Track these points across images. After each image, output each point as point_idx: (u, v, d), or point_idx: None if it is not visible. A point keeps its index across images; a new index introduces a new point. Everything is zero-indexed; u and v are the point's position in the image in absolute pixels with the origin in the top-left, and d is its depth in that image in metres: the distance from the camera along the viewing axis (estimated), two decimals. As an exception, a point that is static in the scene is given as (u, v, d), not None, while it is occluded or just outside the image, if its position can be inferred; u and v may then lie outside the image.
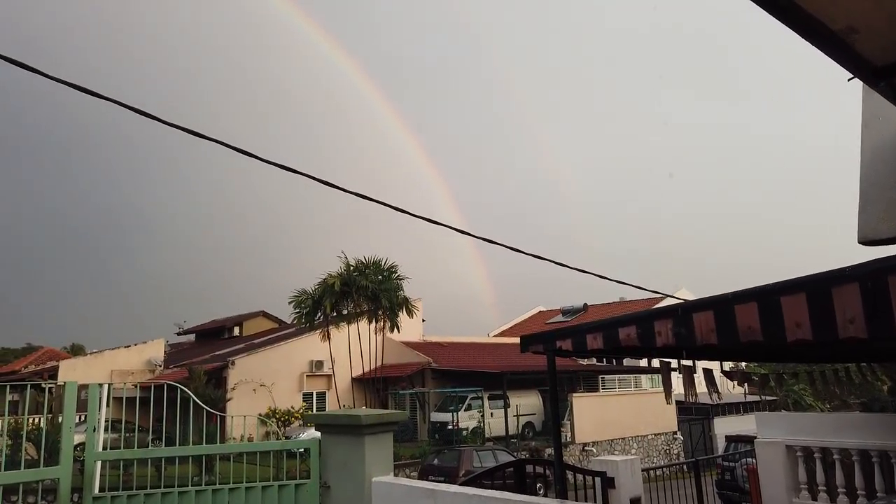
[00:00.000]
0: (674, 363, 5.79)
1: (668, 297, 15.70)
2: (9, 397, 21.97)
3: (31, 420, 17.14)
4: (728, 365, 9.97)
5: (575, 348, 4.53)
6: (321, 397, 28.68)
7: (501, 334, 41.51)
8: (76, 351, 53.27)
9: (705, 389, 6.98)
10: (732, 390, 31.70)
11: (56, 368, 29.55)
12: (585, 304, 41.78)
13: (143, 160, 79.37)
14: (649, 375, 30.32)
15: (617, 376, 30.58)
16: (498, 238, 7.97)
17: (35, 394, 21.99)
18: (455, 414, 24.56)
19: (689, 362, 5.89)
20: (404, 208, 6.73)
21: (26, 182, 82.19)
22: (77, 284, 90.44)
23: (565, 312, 42.48)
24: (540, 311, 47.05)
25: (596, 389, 29.49)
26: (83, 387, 5.62)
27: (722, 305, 3.42)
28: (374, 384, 26.48)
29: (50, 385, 19.48)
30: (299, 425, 23.55)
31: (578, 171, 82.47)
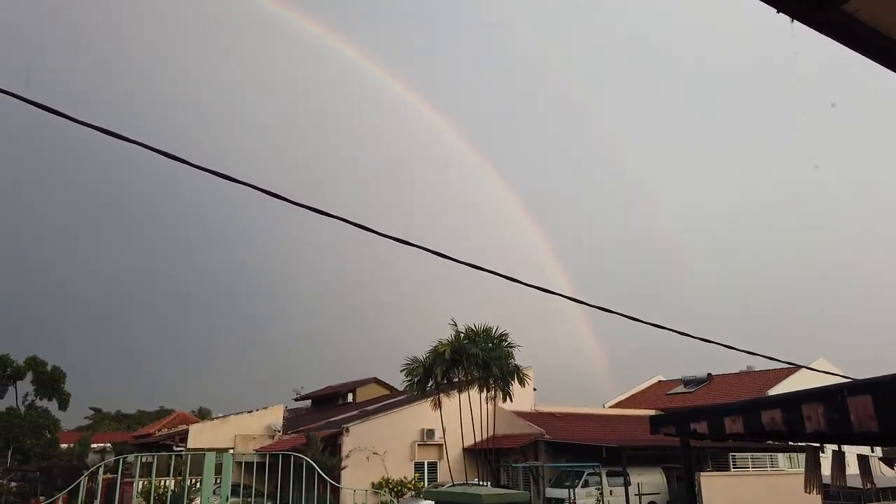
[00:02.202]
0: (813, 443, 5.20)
1: (804, 369, 14.36)
2: (143, 459, 23.44)
3: (160, 482, 18.05)
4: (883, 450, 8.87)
5: (711, 432, 4.17)
6: (432, 467, 28.32)
7: (618, 405, 39.58)
8: (203, 415, 56.34)
9: (857, 473, 6.21)
10: (887, 474, 28.17)
11: (186, 432, 31.22)
12: (709, 374, 39.16)
13: (265, 233, 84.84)
14: (787, 454, 27.60)
15: (750, 454, 28.08)
16: (612, 304, 7.65)
17: (166, 457, 23.27)
18: (572, 490, 23.37)
19: (837, 447, 5.27)
20: (514, 276, 6.64)
21: (157, 258, 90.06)
22: (204, 352, 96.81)
23: (687, 383, 39.98)
24: (659, 381, 44.58)
25: (726, 468, 27.17)
26: (216, 453, 5.84)
27: (883, 389, 3.02)
28: (485, 455, 25.86)
29: (180, 450, 20.55)
30: (412, 496, 23.27)
31: (698, 234, 78.96)
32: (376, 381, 42.91)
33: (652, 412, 32.35)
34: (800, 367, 11.93)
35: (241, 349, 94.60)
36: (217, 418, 35.08)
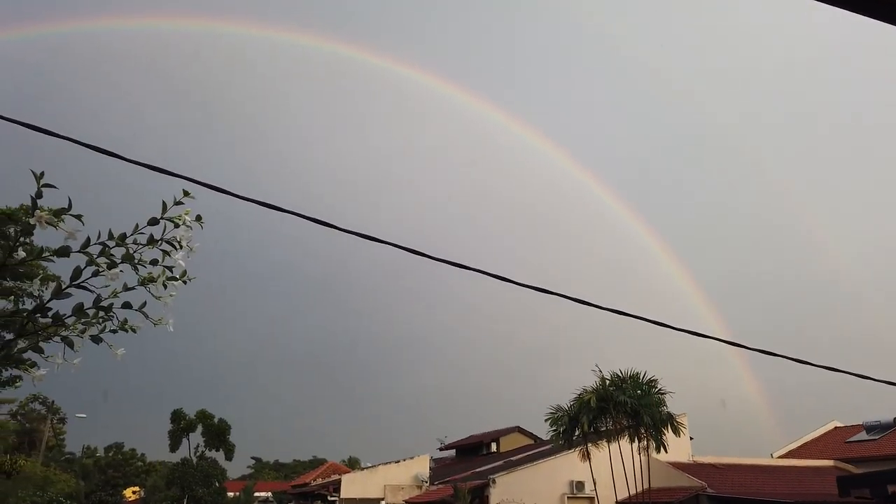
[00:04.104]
0: None
1: None
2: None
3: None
4: None
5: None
6: (584, 522, 26.98)
7: (788, 454, 35.82)
8: (353, 464, 58.08)
9: None
10: None
11: (339, 482, 32.20)
12: (896, 419, 34.52)
13: (407, 289, 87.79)
14: None
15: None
16: (772, 346, 6.91)
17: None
18: (742, 551, 21.22)
19: None
20: (662, 321, 6.20)
21: (307, 318, 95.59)
22: (352, 403, 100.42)
23: (870, 429, 35.43)
24: (836, 427, 39.90)
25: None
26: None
27: None
28: (641, 510, 24.23)
29: (333, 500, 21.12)
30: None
31: (866, 267, 71.24)
32: (519, 430, 42.12)
33: (829, 463, 29.06)
34: None
35: (386, 399, 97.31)
36: (366, 468, 35.93)
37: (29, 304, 2.61)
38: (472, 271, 5.00)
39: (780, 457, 35.46)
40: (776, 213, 72.26)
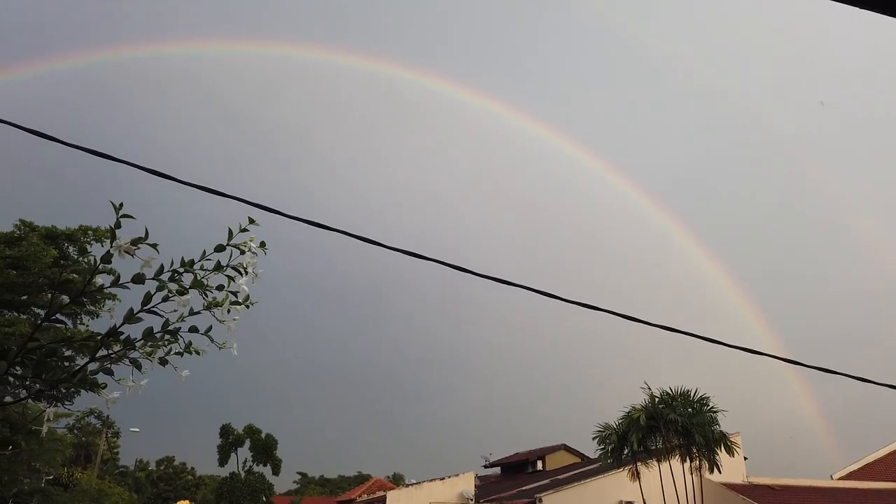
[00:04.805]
0: None
1: None
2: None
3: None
4: None
5: None
6: (634, 543, 26.30)
7: (849, 476, 34.30)
8: (397, 480, 58.09)
9: None
10: None
11: (384, 498, 32.20)
12: (966, 439, 32.77)
13: (456, 306, 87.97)
14: None
15: None
16: (832, 363, 6.65)
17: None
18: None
19: None
20: (715, 338, 6.04)
21: (353, 336, 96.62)
22: (396, 418, 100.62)
23: (937, 450, 33.71)
24: (899, 447, 38.11)
25: None
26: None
27: None
28: (694, 533, 23.51)
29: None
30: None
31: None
32: (565, 448, 41.48)
33: (893, 485, 27.64)
34: None
35: (429, 415, 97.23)
36: (411, 485, 35.80)
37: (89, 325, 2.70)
38: (512, 286, 4.97)
39: (840, 478, 33.96)
40: (836, 225, 69.91)
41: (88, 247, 20.90)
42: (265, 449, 41.65)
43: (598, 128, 74.98)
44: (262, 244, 2.69)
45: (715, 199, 77.70)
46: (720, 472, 23.65)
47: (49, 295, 19.98)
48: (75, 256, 21.07)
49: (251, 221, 2.65)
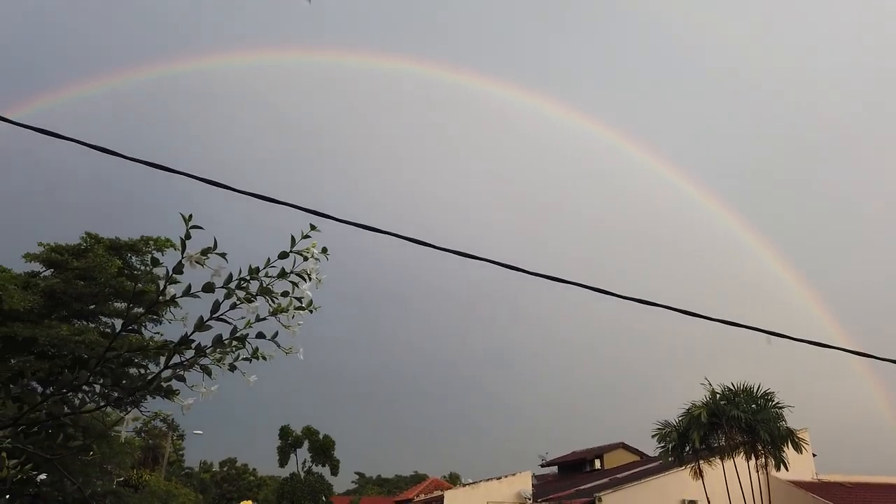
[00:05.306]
0: None
1: None
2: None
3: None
4: None
5: None
6: (699, 543, 25.65)
7: (927, 473, 32.68)
8: (453, 479, 58.14)
9: None
10: None
11: (441, 498, 32.32)
12: None
13: (514, 309, 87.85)
14: None
15: None
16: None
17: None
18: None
19: None
20: (781, 332, 5.82)
21: (406, 338, 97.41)
22: (452, 418, 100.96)
23: None
24: (981, 443, 36.10)
25: None
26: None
27: None
28: (762, 532, 22.77)
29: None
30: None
31: None
32: (623, 446, 40.80)
33: (979, 483, 26.20)
34: None
35: (486, 414, 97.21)
36: (468, 484, 35.82)
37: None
38: (562, 282, 4.90)
39: (918, 475, 32.37)
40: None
41: (149, 256, 21.66)
42: (323, 450, 42.37)
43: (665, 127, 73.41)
44: (324, 250, 2.72)
45: (779, 191, 75.09)
46: (787, 469, 22.87)
47: (115, 304, 20.81)
48: (138, 266, 21.88)
49: (312, 228, 2.68)
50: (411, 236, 4.52)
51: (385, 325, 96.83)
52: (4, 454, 3.08)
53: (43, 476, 3.38)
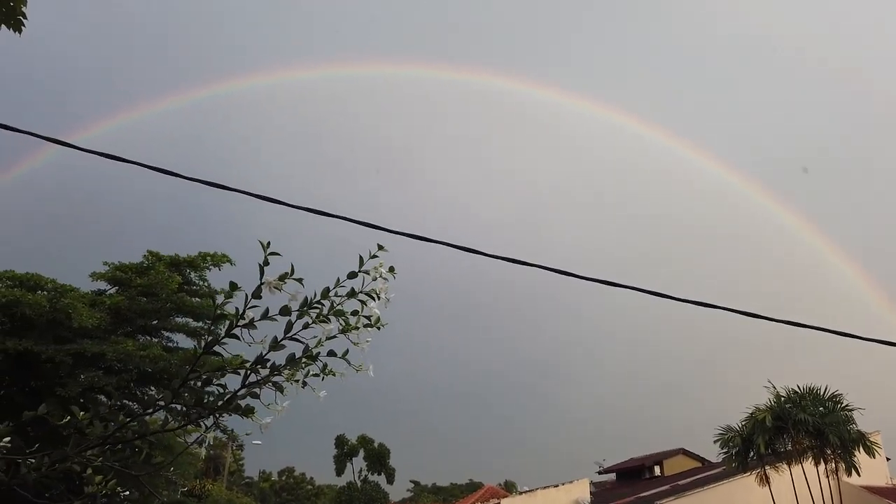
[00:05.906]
0: None
1: None
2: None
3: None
4: None
5: None
6: (767, 552, 24.78)
7: None
8: (509, 487, 57.71)
9: None
10: None
11: (498, 506, 32.13)
12: None
13: (572, 317, 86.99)
14: None
15: None
16: None
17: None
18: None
19: None
20: (848, 331, 5.61)
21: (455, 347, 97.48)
22: (507, 425, 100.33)
23: None
24: None
25: None
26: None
27: None
28: (836, 541, 21.87)
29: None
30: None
31: None
32: (684, 452, 39.81)
33: None
34: None
35: (539, 420, 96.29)
36: (524, 492, 35.55)
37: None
38: (610, 286, 4.85)
39: None
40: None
41: (207, 271, 22.28)
42: (378, 458, 42.75)
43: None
44: (392, 269, 2.78)
45: (840, 181, 72.22)
46: (859, 474, 21.93)
47: (176, 318, 21.51)
48: (196, 281, 22.57)
49: (380, 248, 2.74)
50: (460, 244, 4.56)
51: (438, 336, 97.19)
52: (91, 471, 3.24)
53: (126, 492, 3.53)
